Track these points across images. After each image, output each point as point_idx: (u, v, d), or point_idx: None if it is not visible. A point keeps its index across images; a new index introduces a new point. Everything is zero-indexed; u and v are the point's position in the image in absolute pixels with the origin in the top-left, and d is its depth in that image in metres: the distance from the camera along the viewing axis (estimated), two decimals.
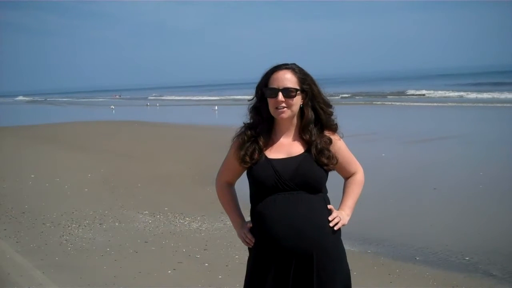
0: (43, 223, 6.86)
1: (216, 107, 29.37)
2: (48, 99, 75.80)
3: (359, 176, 2.61)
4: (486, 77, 60.02)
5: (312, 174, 2.39)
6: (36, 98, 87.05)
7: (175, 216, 7.16)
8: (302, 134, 2.46)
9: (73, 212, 7.37)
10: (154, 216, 7.18)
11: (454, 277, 4.83)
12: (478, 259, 5.21)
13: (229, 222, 6.35)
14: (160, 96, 69.06)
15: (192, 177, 10.03)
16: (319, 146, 2.43)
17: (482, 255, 5.31)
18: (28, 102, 71.69)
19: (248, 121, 2.54)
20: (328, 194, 2.51)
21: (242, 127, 2.53)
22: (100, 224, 6.83)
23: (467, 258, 5.26)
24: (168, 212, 7.40)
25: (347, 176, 2.61)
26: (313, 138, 2.44)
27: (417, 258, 5.35)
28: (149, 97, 66.32)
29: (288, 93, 2.39)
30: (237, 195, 2.69)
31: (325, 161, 2.41)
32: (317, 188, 2.42)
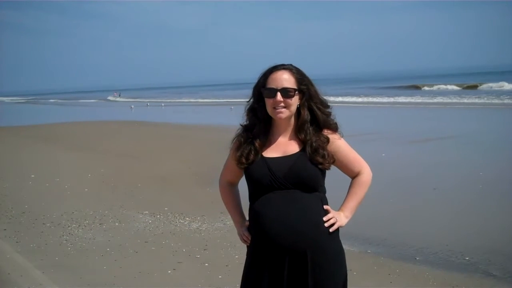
0: (43, 223, 6.86)
1: (232, 107, 29.23)
2: (30, 100, 75.15)
3: (365, 177, 2.57)
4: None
5: (306, 173, 2.40)
6: (19, 99, 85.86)
7: (175, 216, 7.17)
8: (298, 133, 2.47)
9: (73, 212, 7.37)
10: (154, 216, 7.19)
11: (454, 277, 4.83)
12: (478, 259, 5.21)
13: (229, 222, 6.36)
14: (116, 97, 69.25)
15: (192, 177, 10.03)
16: (314, 145, 2.43)
17: (482, 255, 5.31)
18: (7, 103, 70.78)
19: (245, 123, 2.55)
20: (330, 194, 2.51)
21: (240, 129, 2.56)
22: (100, 224, 6.83)
23: (467, 258, 5.26)
24: (168, 212, 7.41)
25: (351, 175, 2.59)
26: (308, 137, 2.44)
27: (417, 258, 5.35)
28: (108, 98, 67.12)
29: (287, 93, 2.40)
30: (239, 194, 2.72)
31: (320, 160, 2.41)
32: (312, 187, 2.42)
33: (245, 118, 2.56)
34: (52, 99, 76.09)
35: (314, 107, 2.48)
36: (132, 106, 40.18)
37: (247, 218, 2.60)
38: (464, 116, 21.48)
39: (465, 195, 7.83)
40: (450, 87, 45.31)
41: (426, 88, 47.25)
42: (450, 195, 7.83)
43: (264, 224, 2.39)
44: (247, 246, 2.55)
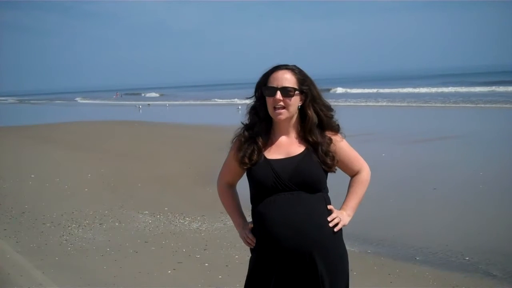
0: (43, 223, 6.86)
1: (240, 107, 29.11)
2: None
3: (364, 175, 2.60)
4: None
5: (311, 174, 2.40)
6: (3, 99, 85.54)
7: (175, 216, 7.17)
8: (308, 136, 2.46)
9: (73, 212, 7.37)
10: (154, 216, 7.19)
11: (454, 277, 4.83)
12: (478, 259, 5.21)
13: (229, 222, 6.36)
14: (83, 98, 69.93)
15: (192, 177, 10.03)
16: (324, 148, 2.44)
17: (482, 255, 5.31)
18: None
19: (246, 121, 2.55)
20: (330, 193, 2.52)
21: (241, 128, 2.55)
22: (100, 224, 6.83)
23: (467, 258, 5.26)
24: (168, 212, 7.41)
25: (351, 174, 2.61)
26: (319, 140, 2.45)
27: (417, 258, 5.35)
28: (76, 99, 67.68)
29: (287, 92, 2.40)
30: (239, 195, 2.70)
31: (329, 162, 2.43)
32: (317, 188, 2.42)
33: (246, 116, 2.55)
34: (34, 100, 76.11)
35: (318, 109, 2.48)
36: (140, 107, 39.95)
37: (246, 219, 2.60)
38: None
39: (465, 195, 7.83)
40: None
41: (339, 91, 50.15)
42: (450, 195, 7.83)
43: (271, 226, 2.37)
44: (251, 249, 2.52)
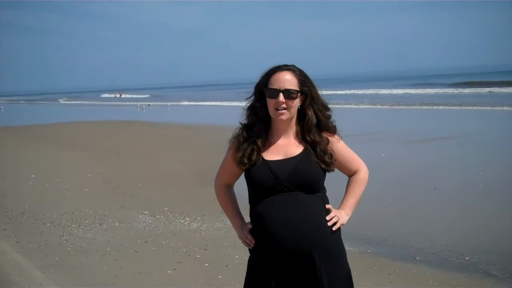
0: (43, 223, 6.86)
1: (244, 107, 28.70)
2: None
3: (362, 175, 2.60)
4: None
5: (309, 175, 2.39)
6: None
7: (175, 216, 7.17)
8: (306, 135, 2.46)
9: (73, 212, 7.37)
10: (154, 216, 7.19)
11: (454, 277, 4.83)
12: (478, 259, 5.21)
13: (229, 222, 6.31)
14: (69, 99, 70.63)
15: (192, 177, 10.03)
16: (322, 146, 2.44)
17: (482, 255, 5.31)
18: None
19: (244, 121, 2.54)
20: (329, 193, 2.52)
21: (239, 128, 2.54)
22: (100, 224, 6.83)
23: (467, 258, 5.26)
24: (168, 212, 7.41)
25: (349, 174, 2.61)
26: (317, 139, 2.45)
27: (417, 258, 5.35)
28: (60, 100, 67.73)
29: (289, 94, 2.40)
30: (236, 195, 2.69)
31: (328, 159, 2.43)
32: (315, 188, 2.42)
33: (244, 116, 2.54)
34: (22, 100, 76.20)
35: (316, 109, 2.48)
36: (144, 107, 39.86)
37: (244, 220, 2.60)
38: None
39: (465, 195, 7.83)
40: None
41: (338, 92, 50.05)
42: (450, 195, 7.83)
43: (270, 227, 2.37)
44: (250, 249, 2.52)
